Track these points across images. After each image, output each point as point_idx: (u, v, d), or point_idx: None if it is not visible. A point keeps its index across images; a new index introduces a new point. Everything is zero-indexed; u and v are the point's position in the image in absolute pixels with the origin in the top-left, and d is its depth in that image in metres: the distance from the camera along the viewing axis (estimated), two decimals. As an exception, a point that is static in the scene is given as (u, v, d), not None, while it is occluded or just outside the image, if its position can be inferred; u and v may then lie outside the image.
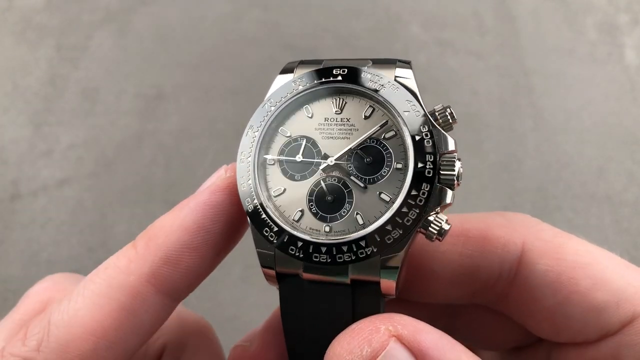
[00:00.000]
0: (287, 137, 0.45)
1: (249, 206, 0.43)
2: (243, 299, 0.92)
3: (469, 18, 1.20)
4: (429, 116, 0.42)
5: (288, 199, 0.44)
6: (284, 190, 0.44)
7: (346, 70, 0.44)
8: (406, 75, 0.44)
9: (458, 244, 0.47)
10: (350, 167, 0.43)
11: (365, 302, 0.41)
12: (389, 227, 0.40)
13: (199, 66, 1.16)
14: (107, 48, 1.19)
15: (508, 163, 1.03)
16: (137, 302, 0.40)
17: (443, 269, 0.47)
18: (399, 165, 0.42)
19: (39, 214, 1.00)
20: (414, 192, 0.40)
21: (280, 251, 0.42)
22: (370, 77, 0.44)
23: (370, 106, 0.44)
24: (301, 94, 0.45)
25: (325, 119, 0.45)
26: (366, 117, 0.44)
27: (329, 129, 0.45)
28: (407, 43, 1.17)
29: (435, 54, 1.16)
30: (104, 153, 1.06)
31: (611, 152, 1.03)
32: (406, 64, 0.45)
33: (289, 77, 0.46)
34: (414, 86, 0.43)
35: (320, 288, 0.42)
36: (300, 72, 0.46)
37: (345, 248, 0.40)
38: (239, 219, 0.44)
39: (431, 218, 0.40)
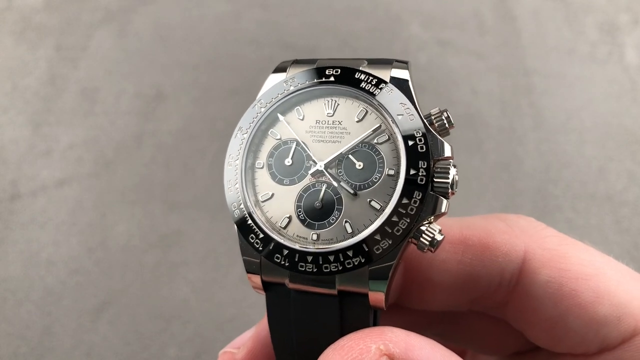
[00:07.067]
0: (277, 139, 0.44)
1: (235, 212, 0.42)
2: (242, 300, 0.92)
3: (469, 18, 1.20)
4: (424, 120, 0.40)
5: (276, 205, 0.42)
6: (272, 195, 0.43)
7: (339, 70, 0.43)
8: (402, 76, 0.42)
9: (457, 252, 0.45)
10: (340, 172, 0.41)
11: (353, 313, 0.40)
12: (377, 237, 0.38)
13: (199, 66, 1.16)
14: (107, 48, 1.19)
15: (508, 163, 1.03)
16: None
17: (441, 278, 0.46)
18: (391, 172, 0.40)
19: (38, 214, 1.00)
20: (405, 201, 0.38)
21: (266, 259, 0.40)
22: (364, 78, 0.42)
23: (363, 109, 0.42)
24: (292, 95, 0.43)
25: (317, 122, 0.43)
26: (359, 120, 0.42)
27: (320, 132, 0.43)
28: (407, 43, 1.17)
29: (435, 53, 1.16)
30: (103, 153, 1.06)
31: (611, 152, 1.03)
32: (403, 64, 0.43)
33: (281, 76, 0.45)
34: (410, 88, 0.41)
35: (307, 298, 0.41)
36: (293, 71, 0.44)
37: (332, 258, 0.39)
38: None
39: (423, 228, 0.38)
